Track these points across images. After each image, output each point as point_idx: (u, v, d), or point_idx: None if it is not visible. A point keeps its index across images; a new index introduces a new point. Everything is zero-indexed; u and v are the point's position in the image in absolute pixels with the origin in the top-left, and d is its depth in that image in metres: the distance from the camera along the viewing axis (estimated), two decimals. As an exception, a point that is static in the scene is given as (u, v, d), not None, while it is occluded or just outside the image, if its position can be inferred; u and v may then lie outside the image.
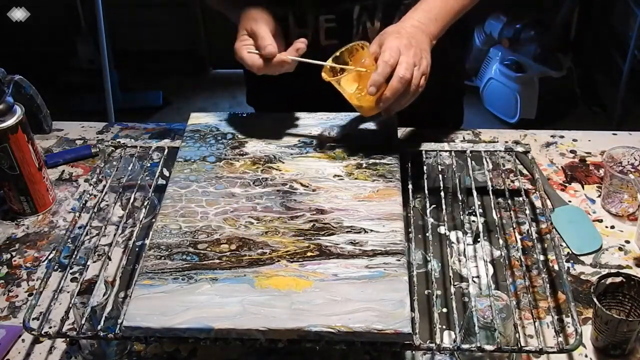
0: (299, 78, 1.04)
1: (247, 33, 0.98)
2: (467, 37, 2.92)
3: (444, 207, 0.94)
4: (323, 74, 0.94)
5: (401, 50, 0.90)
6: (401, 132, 1.21)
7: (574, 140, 1.21)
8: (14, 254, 1.03)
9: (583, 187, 1.10)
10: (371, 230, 0.86)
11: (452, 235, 1.00)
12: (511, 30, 2.75)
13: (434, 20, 0.99)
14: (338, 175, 0.95)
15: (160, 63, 3.09)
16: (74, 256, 0.91)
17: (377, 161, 0.97)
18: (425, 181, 0.99)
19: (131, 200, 1.00)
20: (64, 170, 1.21)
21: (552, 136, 1.22)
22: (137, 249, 1.00)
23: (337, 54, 0.95)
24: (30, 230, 1.08)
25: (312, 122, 1.06)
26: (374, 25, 1.12)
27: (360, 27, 1.12)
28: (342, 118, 1.06)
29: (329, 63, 0.95)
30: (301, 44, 0.96)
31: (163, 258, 0.84)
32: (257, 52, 0.96)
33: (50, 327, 0.87)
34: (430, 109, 1.09)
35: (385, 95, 0.90)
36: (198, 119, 1.08)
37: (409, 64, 0.90)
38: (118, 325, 0.77)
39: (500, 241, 0.93)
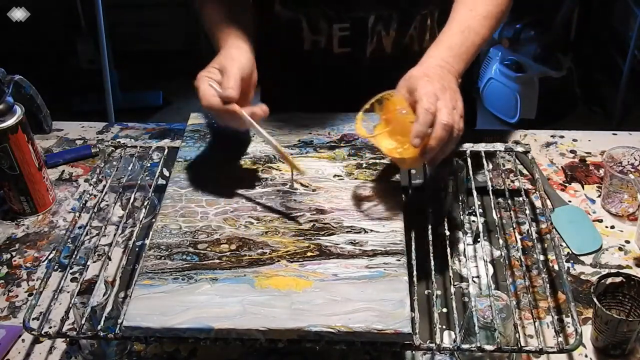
0: (310, 78, 1.04)
1: (217, 67, 0.93)
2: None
3: (444, 207, 0.94)
4: (357, 131, 0.89)
5: (438, 95, 0.84)
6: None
7: (574, 140, 1.21)
8: (14, 254, 1.03)
9: (583, 187, 1.10)
10: (371, 230, 0.86)
11: (452, 235, 1.00)
12: (511, 30, 2.75)
13: (458, 57, 0.94)
14: (338, 175, 0.95)
15: (160, 63, 3.09)
16: (74, 256, 0.91)
17: (377, 161, 0.97)
18: (425, 181, 0.99)
19: (131, 200, 1.00)
20: (64, 170, 1.21)
21: (552, 136, 1.22)
22: (137, 249, 1.00)
23: (367, 106, 0.88)
24: (30, 230, 1.08)
25: (312, 122, 1.06)
26: (389, 34, 1.11)
27: (374, 36, 1.11)
28: (342, 118, 1.06)
29: (359, 116, 0.89)
30: (259, 109, 0.90)
31: (163, 258, 0.84)
32: (216, 88, 0.90)
33: (50, 327, 0.87)
34: None
35: (430, 145, 0.82)
36: (198, 119, 1.08)
37: (449, 108, 0.83)
38: (118, 325, 0.77)
39: (500, 241, 0.93)
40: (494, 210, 0.94)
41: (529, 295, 0.86)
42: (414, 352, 0.84)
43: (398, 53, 1.13)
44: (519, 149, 1.05)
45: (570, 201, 1.07)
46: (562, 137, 1.22)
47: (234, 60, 0.92)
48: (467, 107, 1.35)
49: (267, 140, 0.90)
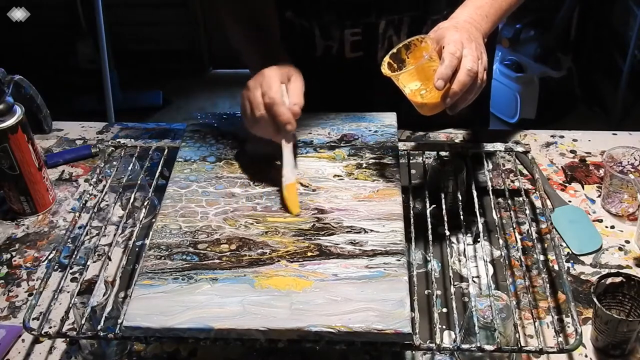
0: (323, 84, 1.04)
1: (279, 77, 0.93)
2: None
3: (444, 207, 0.94)
4: (383, 70, 0.88)
5: (464, 43, 0.86)
6: (401, 132, 1.21)
7: (574, 140, 1.21)
8: (14, 254, 1.03)
9: (583, 187, 1.10)
10: (371, 230, 0.86)
11: (452, 235, 1.00)
12: (511, 30, 2.75)
13: (485, 17, 0.96)
14: (338, 175, 0.95)
15: (160, 63, 3.09)
16: (74, 256, 0.91)
17: (377, 161, 0.97)
18: (425, 181, 0.99)
19: (131, 200, 1.00)
20: (64, 170, 1.21)
21: (552, 136, 1.22)
22: (137, 249, 1.00)
23: (394, 50, 0.89)
24: (30, 230, 1.08)
25: (312, 122, 1.06)
26: (400, 38, 1.11)
27: (385, 41, 1.11)
28: (342, 118, 1.06)
29: (386, 59, 0.89)
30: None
31: (163, 258, 0.84)
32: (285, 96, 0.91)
33: (50, 327, 0.87)
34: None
35: (453, 89, 0.84)
36: (198, 119, 1.08)
37: (474, 56, 0.86)
38: (118, 325, 0.77)
39: (500, 241, 0.93)
40: (494, 210, 0.94)
41: (529, 295, 0.86)
42: (414, 352, 0.84)
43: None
44: (519, 149, 1.05)
45: (570, 201, 1.07)
46: (562, 137, 1.22)
47: (298, 72, 0.95)
48: (482, 104, 1.34)
49: (283, 166, 0.93)
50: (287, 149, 0.94)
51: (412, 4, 1.09)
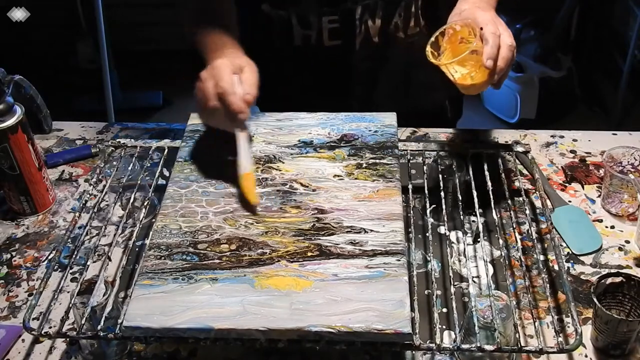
0: (303, 74, 1.05)
1: (230, 65, 0.93)
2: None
3: (444, 207, 0.94)
4: (432, 60, 0.93)
5: (496, 22, 0.92)
6: (401, 132, 1.21)
7: (574, 140, 1.21)
8: (14, 254, 1.03)
9: (583, 187, 1.10)
10: (371, 230, 0.86)
11: (452, 235, 1.00)
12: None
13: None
14: (338, 175, 0.95)
15: (160, 63, 3.09)
16: (74, 256, 0.91)
17: (377, 161, 0.97)
18: (425, 181, 0.99)
19: (131, 200, 1.00)
20: (64, 170, 1.21)
21: (552, 136, 1.22)
22: (137, 249, 1.00)
23: (433, 39, 0.94)
24: (30, 230, 1.08)
25: (312, 122, 1.06)
26: (375, 23, 1.13)
27: (362, 26, 1.13)
28: (342, 118, 1.06)
29: (428, 48, 0.94)
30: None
31: (163, 258, 0.84)
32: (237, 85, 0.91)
33: (50, 327, 0.87)
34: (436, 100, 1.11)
35: (499, 66, 0.90)
36: (198, 119, 1.08)
37: (508, 32, 0.92)
38: (118, 325, 0.77)
39: (500, 241, 0.93)
40: (494, 210, 0.94)
41: (529, 295, 0.86)
42: (414, 352, 0.84)
43: (384, 42, 1.16)
44: (519, 149, 1.05)
45: (570, 201, 1.07)
46: (562, 137, 1.22)
47: (250, 63, 0.94)
48: (455, 97, 1.35)
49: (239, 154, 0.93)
50: (241, 138, 0.95)
51: None
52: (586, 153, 1.18)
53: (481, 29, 0.90)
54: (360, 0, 1.11)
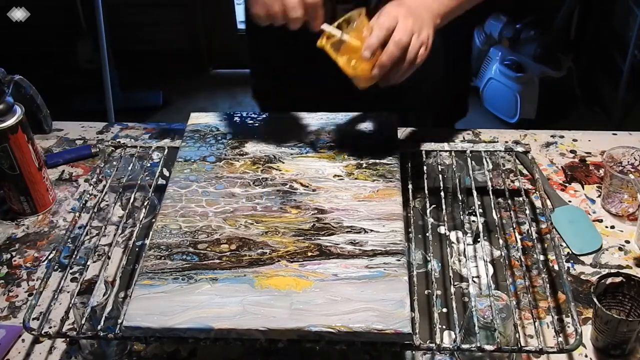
0: (307, 73, 1.02)
1: None
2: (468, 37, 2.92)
3: (444, 207, 0.94)
4: (319, 42, 0.90)
5: (399, 18, 0.87)
6: (401, 132, 1.21)
7: (574, 140, 1.21)
8: (14, 254, 1.03)
9: (583, 187, 1.10)
10: (371, 230, 0.86)
11: (452, 235, 1.00)
12: (511, 30, 2.75)
13: (440, 3, 0.95)
14: (338, 175, 0.95)
15: (160, 63, 3.09)
16: (74, 256, 0.91)
17: (377, 161, 0.97)
18: (425, 181, 0.99)
19: (131, 200, 1.00)
20: (64, 170, 1.21)
21: (552, 136, 1.22)
22: (137, 249, 1.00)
23: (335, 25, 0.90)
24: (30, 230, 1.08)
25: (312, 122, 1.06)
26: None
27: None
28: (342, 118, 1.06)
29: (326, 28, 0.90)
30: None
31: (163, 258, 0.84)
32: None
33: (50, 327, 0.87)
34: (437, 101, 1.05)
35: (381, 60, 0.86)
36: (198, 119, 1.08)
37: (407, 29, 0.86)
38: (118, 325, 0.77)
39: (500, 241, 0.93)
40: (494, 210, 0.94)
41: (529, 295, 0.86)
42: (414, 352, 0.84)
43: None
44: (519, 149, 1.05)
45: (570, 201, 1.07)
46: (562, 137, 1.22)
47: None
48: (460, 98, 1.33)
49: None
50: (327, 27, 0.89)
51: None
52: (586, 153, 1.18)
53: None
54: None
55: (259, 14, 0.89)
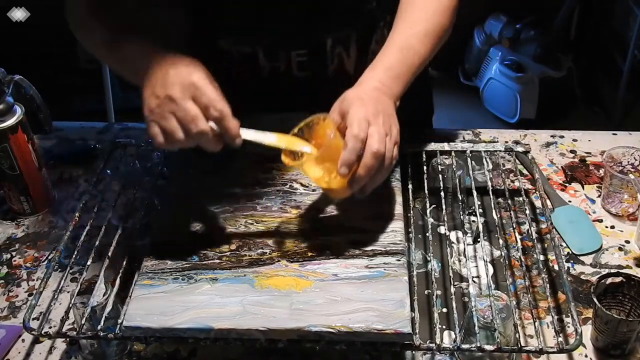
0: (269, 98, 1.03)
1: (174, 92, 0.76)
2: (467, 37, 2.92)
3: (444, 207, 0.94)
4: (283, 158, 0.81)
5: (370, 120, 0.79)
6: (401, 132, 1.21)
7: (574, 140, 1.21)
8: (14, 254, 1.03)
9: (583, 187, 1.10)
10: (371, 230, 0.86)
11: (452, 235, 1.00)
12: (511, 30, 2.75)
13: (396, 78, 0.88)
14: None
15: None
16: (74, 256, 0.91)
17: (377, 161, 0.97)
18: (425, 181, 0.99)
19: (131, 200, 1.00)
20: (64, 170, 1.20)
21: (552, 136, 1.22)
22: (137, 249, 1.00)
23: (295, 130, 0.82)
24: (30, 230, 1.08)
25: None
26: (350, 56, 1.07)
27: (335, 58, 1.06)
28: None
29: (285, 144, 0.81)
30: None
31: (163, 258, 0.84)
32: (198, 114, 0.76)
33: (50, 327, 0.87)
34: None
35: (358, 174, 0.78)
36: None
37: (381, 135, 0.78)
38: (118, 325, 0.78)
39: (500, 241, 0.93)
40: (494, 210, 0.94)
41: (529, 295, 0.86)
42: (414, 352, 0.84)
43: (361, 72, 1.11)
44: (519, 149, 1.05)
45: (570, 201, 1.07)
46: (562, 137, 1.22)
47: (197, 72, 0.78)
48: (423, 96, 1.29)
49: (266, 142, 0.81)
50: (248, 134, 0.80)
51: (357, 19, 1.05)
52: (586, 153, 1.18)
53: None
54: (331, 33, 1.03)
55: (155, 134, 0.77)
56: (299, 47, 1.04)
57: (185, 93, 0.76)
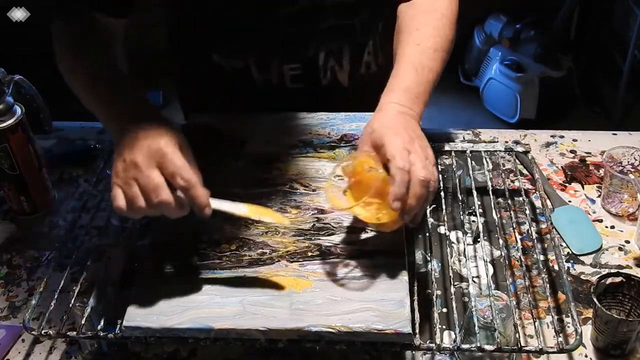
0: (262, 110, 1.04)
1: (140, 160, 0.73)
2: (467, 36, 2.92)
3: (444, 207, 0.94)
4: (330, 202, 0.82)
5: (408, 149, 0.78)
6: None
7: (574, 140, 1.21)
8: (14, 254, 1.03)
9: (583, 187, 1.10)
10: (371, 230, 0.86)
11: (452, 235, 1.00)
12: (511, 30, 2.75)
13: (415, 99, 0.87)
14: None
15: (160, 63, 3.09)
16: (74, 256, 0.91)
17: (377, 161, 0.97)
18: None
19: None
20: (64, 170, 1.20)
21: (552, 136, 1.22)
22: (137, 249, 1.00)
23: (335, 173, 0.82)
24: (30, 230, 1.08)
25: (312, 122, 1.06)
26: (343, 68, 1.08)
27: (328, 71, 1.08)
28: (342, 118, 1.06)
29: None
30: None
31: (163, 258, 0.84)
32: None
33: (50, 327, 0.87)
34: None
35: (410, 205, 0.76)
36: (198, 119, 1.08)
37: (423, 162, 0.77)
38: (118, 325, 0.78)
39: (500, 241, 0.93)
40: (494, 210, 0.95)
41: (529, 295, 0.86)
42: (414, 352, 0.84)
43: (354, 83, 1.10)
44: (519, 149, 1.05)
45: (570, 201, 1.07)
46: (562, 137, 1.22)
47: (166, 137, 0.75)
48: None
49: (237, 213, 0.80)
50: (218, 204, 0.79)
51: (350, 32, 1.06)
52: (586, 153, 1.18)
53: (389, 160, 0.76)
54: (323, 47, 1.05)
55: (115, 197, 0.74)
56: (292, 61, 1.05)
57: (151, 160, 0.73)
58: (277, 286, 0.79)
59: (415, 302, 0.82)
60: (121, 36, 0.99)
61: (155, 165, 0.73)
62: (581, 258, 0.98)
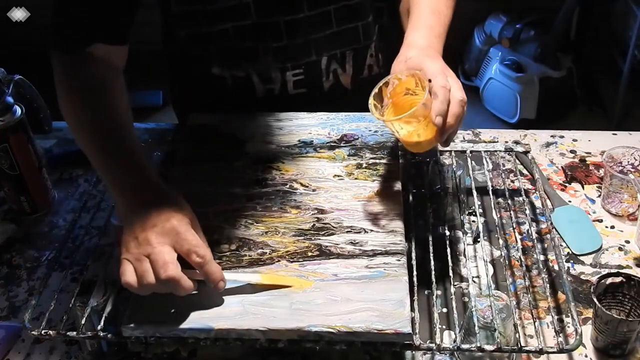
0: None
1: (157, 241, 0.74)
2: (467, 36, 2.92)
3: (444, 207, 0.94)
4: (373, 113, 0.81)
5: (445, 72, 0.81)
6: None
7: (574, 140, 1.21)
8: (14, 254, 1.03)
9: (583, 187, 1.10)
10: (371, 230, 0.86)
11: (452, 235, 1.00)
12: (511, 30, 2.75)
13: (438, 37, 0.91)
14: (338, 175, 0.95)
15: (160, 63, 3.09)
16: (74, 256, 0.91)
17: (377, 161, 0.97)
18: (425, 181, 0.99)
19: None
20: (64, 170, 1.20)
21: (552, 136, 1.22)
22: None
23: (376, 90, 0.83)
24: (30, 230, 1.08)
25: (312, 122, 1.06)
26: (346, 71, 1.10)
27: (330, 74, 1.09)
28: (342, 118, 1.06)
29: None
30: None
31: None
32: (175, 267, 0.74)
33: (50, 327, 0.87)
34: None
35: (449, 123, 0.79)
36: (198, 119, 1.08)
37: (459, 84, 0.82)
38: (118, 326, 0.77)
39: (500, 241, 0.93)
40: (494, 210, 0.94)
41: (529, 295, 0.86)
42: (414, 352, 0.84)
43: (357, 86, 1.11)
44: (519, 149, 1.05)
45: (570, 201, 1.07)
46: (562, 137, 1.22)
47: (178, 216, 0.77)
48: None
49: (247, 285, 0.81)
50: (231, 276, 0.80)
51: (353, 37, 1.07)
52: (586, 153, 1.18)
53: (430, 81, 0.80)
54: (326, 52, 1.06)
55: (125, 271, 0.74)
56: (294, 68, 1.06)
57: (165, 238, 0.75)
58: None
59: (415, 302, 0.82)
60: (121, 67, 1.01)
61: (170, 244, 0.75)
62: (581, 258, 0.98)
